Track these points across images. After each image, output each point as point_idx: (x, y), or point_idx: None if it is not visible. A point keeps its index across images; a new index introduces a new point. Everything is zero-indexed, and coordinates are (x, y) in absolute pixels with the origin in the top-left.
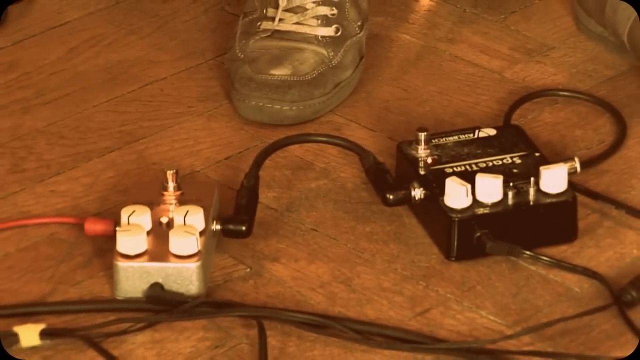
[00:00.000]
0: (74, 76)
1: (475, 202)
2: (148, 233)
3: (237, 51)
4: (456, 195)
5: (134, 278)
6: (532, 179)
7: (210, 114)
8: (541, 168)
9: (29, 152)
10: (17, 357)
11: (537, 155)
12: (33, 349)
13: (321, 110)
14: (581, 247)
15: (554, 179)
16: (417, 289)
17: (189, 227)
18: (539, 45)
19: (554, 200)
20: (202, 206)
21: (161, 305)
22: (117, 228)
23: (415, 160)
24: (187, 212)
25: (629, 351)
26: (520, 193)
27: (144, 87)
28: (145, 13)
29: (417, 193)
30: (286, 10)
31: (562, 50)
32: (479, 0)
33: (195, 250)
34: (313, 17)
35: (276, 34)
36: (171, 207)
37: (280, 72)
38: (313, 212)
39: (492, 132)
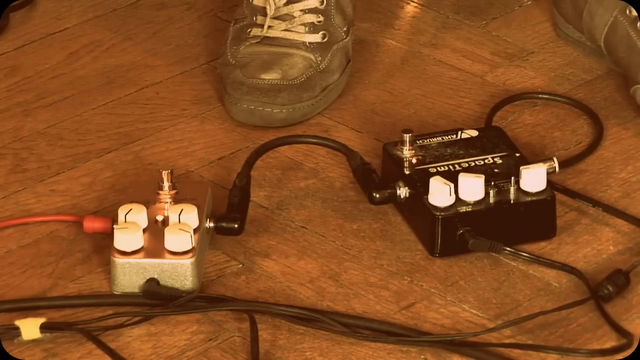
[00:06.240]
0: (73, 80)
1: (458, 201)
2: (144, 230)
3: (229, 56)
4: (440, 194)
5: (130, 274)
6: (512, 178)
7: (203, 117)
8: (521, 168)
9: (30, 153)
10: (18, 349)
11: (518, 156)
12: (34, 342)
13: (310, 112)
14: (560, 244)
15: (533, 178)
16: (403, 284)
17: (184, 224)
18: (519, 50)
19: (533, 198)
20: (196, 205)
21: (157, 299)
22: (114, 226)
23: (400, 161)
24: (182, 210)
25: (605, 343)
26: (501, 192)
27: (140, 90)
28: (141, 20)
29: (402, 192)
30: (274, 17)
31: (542, 54)
32: (461, 7)
33: (189, 247)
34: (300, 25)
35: (265, 40)
36: (166, 206)
37: (270, 76)
38: (302, 210)
39: (474, 133)
